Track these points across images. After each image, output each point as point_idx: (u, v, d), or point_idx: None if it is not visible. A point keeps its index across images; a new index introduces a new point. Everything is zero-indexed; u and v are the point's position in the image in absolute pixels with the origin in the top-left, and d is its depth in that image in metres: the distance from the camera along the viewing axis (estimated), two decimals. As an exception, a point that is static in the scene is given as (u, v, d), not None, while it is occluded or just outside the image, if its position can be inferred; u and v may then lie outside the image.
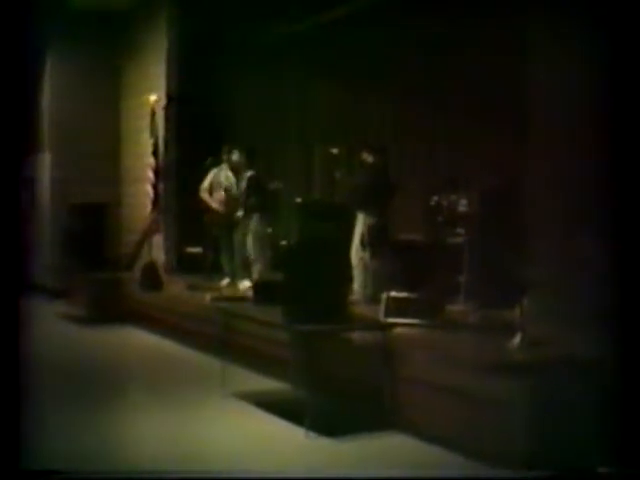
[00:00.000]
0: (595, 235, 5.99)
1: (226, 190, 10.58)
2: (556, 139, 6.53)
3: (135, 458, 5.49)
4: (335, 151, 9.15)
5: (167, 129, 13.28)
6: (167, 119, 13.30)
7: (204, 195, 10.77)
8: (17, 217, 4.25)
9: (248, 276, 9.99)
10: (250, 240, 10.09)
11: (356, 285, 8.71)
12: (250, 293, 8.01)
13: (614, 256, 5.69)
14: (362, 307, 7.86)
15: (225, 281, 10.51)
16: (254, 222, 10.08)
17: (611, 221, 5.81)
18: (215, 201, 10.68)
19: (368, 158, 8.91)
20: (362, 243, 8.62)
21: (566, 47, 6.37)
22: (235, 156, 10.48)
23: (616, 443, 4.87)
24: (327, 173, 11.22)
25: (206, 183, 10.80)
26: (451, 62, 9.29)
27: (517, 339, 6.19)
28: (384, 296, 7.54)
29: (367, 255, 8.63)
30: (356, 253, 8.72)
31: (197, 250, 12.00)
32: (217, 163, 10.84)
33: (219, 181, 10.66)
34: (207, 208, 10.80)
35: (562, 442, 5.04)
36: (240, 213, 10.14)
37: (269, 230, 10.67)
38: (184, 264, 12.74)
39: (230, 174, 10.66)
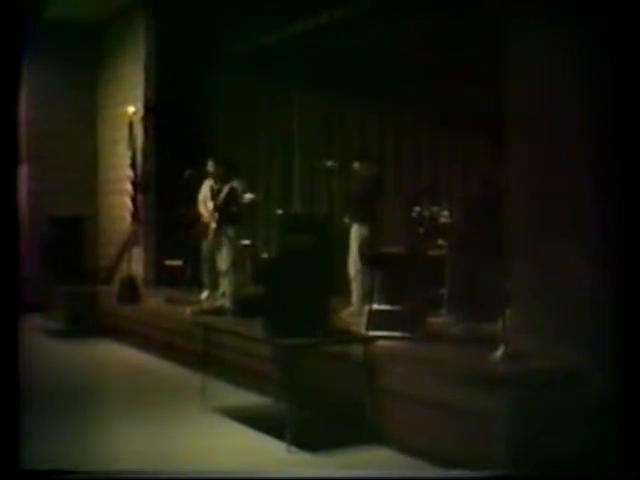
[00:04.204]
0: (578, 247, 5.98)
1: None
2: (540, 151, 6.52)
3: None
4: (330, 164, 9.09)
5: (145, 140, 13.21)
6: (145, 130, 13.23)
7: (200, 207, 10.59)
8: (15, 230, 4.22)
9: (226, 289, 9.94)
10: (224, 252, 10.05)
11: (354, 297, 8.68)
12: (229, 306, 7.96)
13: (598, 268, 5.68)
14: (356, 320, 7.80)
15: (204, 294, 10.43)
16: (229, 234, 10.03)
17: (595, 233, 5.81)
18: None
19: (362, 168, 8.90)
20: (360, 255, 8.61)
21: (550, 59, 6.36)
22: (215, 169, 10.39)
23: (600, 453, 4.85)
24: (311, 186, 11.22)
25: (201, 195, 10.63)
26: (435, 73, 9.27)
27: (499, 352, 6.17)
28: (366, 309, 7.51)
29: (364, 267, 8.60)
30: (353, 265, 8.69)
31: (177, 263, 11.92)
32: (197, 175, 10.73)
33: (206, 193, 10.56)
34: (195, 220, 10.65)
35: (544, 454, 5.01)
36: (214, 225, 10.07)
37: (248, 242, 10.63)
38: (163, 277, 12.65)
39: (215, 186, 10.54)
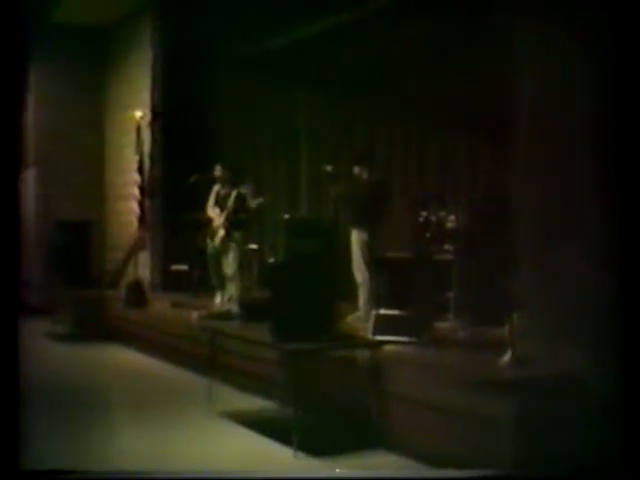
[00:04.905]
0: (586, 252, 5.95)
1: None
2: (545, 155, 6.50)
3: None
4: (329, 169, 9.07)
5: (152, 145, 13.21)
6: (152, 135, 13.23)
7: (210, 211, 10.57)
8: (16, 233, 4.23)
9: (232, 293, 9.93)
10: (230, 256, 10.05)
11: (361, 302, 8.66)
12: (236, 310, 7.95)
13: (606, 273, 5.66)
14: (363, 325, 7.77)
15: (218, 299, 10.40)
16: (236, 239, 10.04)
17: (604, 238, 5.79)
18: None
19: (361, 172, 8.86)
20: (364, 260, 8.60)
21: (557, 62, 6.35)
22: (223, 173, 10.39)
23: (607, 460, 4.83)
24: (317, 190, 11.20)
25: (212, 199, 10.60)
26: (443, 77, 9.24)
27: (507, 357, 6.14)
28: (372, 313, 7.49)
29: (368, 272, 8.60)
30: (358, 270, 8.68)
31: (183, 267, 11.92)
32: (203, 180, 10.72)
33: (215, 198, 10.54)
34: (202, 224, 10.61)
35: (552, 460, 4.99)
36: (222, 231, 10.08)
37: (254, 246, 10.62)
38: (170, 281, 12.65)
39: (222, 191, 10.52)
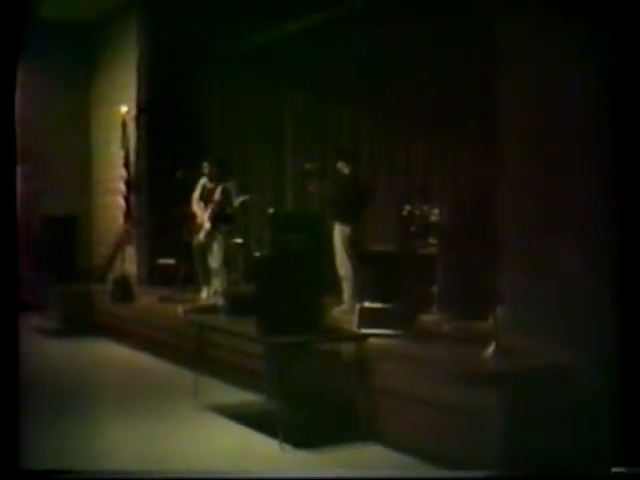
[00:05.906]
0: (569, 245, 6.01)
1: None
2: (529, 150, 6.55)
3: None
4: (309, 166, 9.12)
5: (138, 140, 13.20)
6: (138, 130, 13.22)
7: (194, 206, 10.58)
8: (14, 230, 4.23)
9: (218, 287, 9.96)
10: (215, 250, 10.09)
11: (345, 296, 8.71)
12: (221, 304, 7.98)
13: (589, 266, 5.71)
14: (348, 318, 7.82)
15: (204, 293, 10.42)
16: (222, 233, 10.07)
17: (585, 231, 5.84)
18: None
19: (343, 168, 8.90)
20: (347, 254, 8.65)
21: (547, 58, 6.38)
22: (210, 168, 10.40)
23: (590, 450, 4.89)
24: (300, 186, 11.21)
25: (195, 194, 10.61)
26: (427, 73, 9.26)
27: (490, 349, 6.19)
28: (357, 307, 7.53)
29: (352, 266, 8.64)
30: (342, 264, 8.72)
31: (169, 262, 11.92)
32: (189, 175, 10.71)
33: (199, 193, 10.55)
34: (187, 218, 10.62)
35: (535, 451, 5.03)
36: (208, 225, 10.11)
37: (240, 240, 10.64)
38: (156, 276, 12.65)
39: (209, 185, 10.52)
